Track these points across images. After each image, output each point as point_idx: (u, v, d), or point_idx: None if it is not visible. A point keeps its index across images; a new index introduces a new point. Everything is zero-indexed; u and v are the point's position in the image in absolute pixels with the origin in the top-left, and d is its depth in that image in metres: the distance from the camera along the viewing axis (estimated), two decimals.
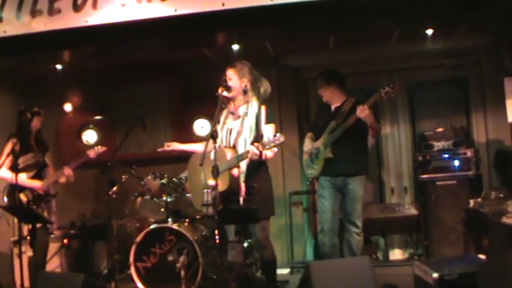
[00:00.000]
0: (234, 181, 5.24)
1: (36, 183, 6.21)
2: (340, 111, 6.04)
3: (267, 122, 5.37)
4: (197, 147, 5.87)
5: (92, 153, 6.60)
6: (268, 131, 5.29)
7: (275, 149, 5.06)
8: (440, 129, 7.51)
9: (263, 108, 5.42)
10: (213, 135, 4.99)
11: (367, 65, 7.83)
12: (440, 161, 7.29)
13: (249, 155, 5.05)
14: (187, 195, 6.41)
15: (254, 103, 5.42)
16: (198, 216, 6.54)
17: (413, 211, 7.49)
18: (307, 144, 6.24)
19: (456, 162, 7.25)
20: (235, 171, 5.23)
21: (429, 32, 6.77)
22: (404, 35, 7.16)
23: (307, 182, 6.26)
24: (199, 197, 5.27)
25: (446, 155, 7.29)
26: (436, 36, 7.01)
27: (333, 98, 6.15)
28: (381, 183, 8.24)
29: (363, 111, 5.61)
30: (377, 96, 5.73)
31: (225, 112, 5.57)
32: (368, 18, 6.13)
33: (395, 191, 8.10)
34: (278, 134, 4.95)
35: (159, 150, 6.16)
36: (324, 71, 6.30)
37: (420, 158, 7.44)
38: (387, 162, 8.20)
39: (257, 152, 4.98)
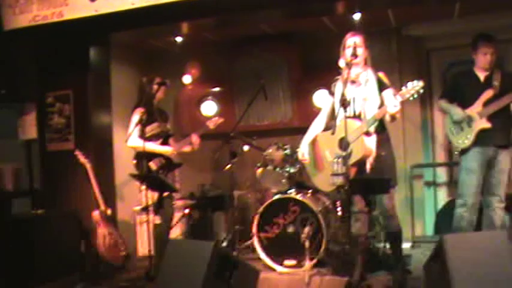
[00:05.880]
0: (368, 149, 5.14)
1: (168, 148, 6.33)
2: (492, 81, 5.75)
3: (386, 87, 5.33)
4: (314, 129, 5.77)
5: (211, 124, 6.63)
6: (389, 96, 5.17)
7: (415, 96, 4.85)
8: None
9: (381, 74, 5.40)
10: (344, 103, 4.92)
11: (496, 34, 7.44)
12: None
13: (388, 110, 4.93)
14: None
15: (370, 70, 5.41)
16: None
17: None
18: (459, 111, 5.84)
19: None
20: (366, 139, 5.13)
21: None
22: None
23: (456, 153, 6.00)
24: (325, 177, 5.28)
25: None
26: None
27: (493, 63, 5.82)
28: None
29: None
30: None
31: (338, 83, 5.48)
32: None
33: None
34: (416, 81, 4.82)
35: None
36: (483, 32, 5.97)
37: None
38: None
39: (398, 103, 4.86)
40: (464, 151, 5.82)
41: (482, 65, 5.82)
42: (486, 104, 5.71)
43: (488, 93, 5.72)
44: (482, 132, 5.70)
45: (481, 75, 5.85)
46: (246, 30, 7.62)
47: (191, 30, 7.27)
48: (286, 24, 7.45)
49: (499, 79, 5.76)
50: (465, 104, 5.82)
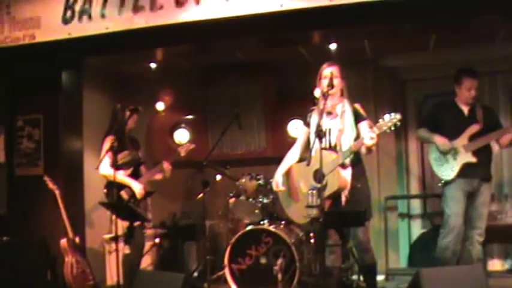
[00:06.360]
0: (343, 181, 5.07)
1: (137, 187, 6.17)
2: (475, 115, 5.83)
3: (363, 119, 5.26)
4: (289, 159, 5.64)
5: (182, 151, 6.53)
6: (366, 128, 5.12)
7: (392, 128, 4.77)
8: None
9: (358, 105, 5.33)
10: (320, 134, 4.85)
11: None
12: None
13: (365, 142, 4.84)
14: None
15: (346, 101, 5.32)
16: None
17: None
18: (446, 142, 5.82)
19: None
20: (342, 171, 5.07)
21: None
22: (510, 35, 6.83)
23: (439, 185, 5.99)
24: (299, 209, 5.19)
25: None
26: None
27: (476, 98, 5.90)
28: None
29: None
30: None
31: (314, 114, 5.42)
32: (472, 16, 5.90)
33: (495, 198, 7.71)
34: (393, 113, 4.76)
35: None
36: (468, 66, 6.02)
37: None
38: None
39: (374, 135, 4.77)
40: (447, 182, 5.81)
41: (465, 99, 5.86)
42: (471, 138, 5.75)
43: (474, 128, 5.76)
44: (466, 166, 5.71)
45: (465, 109, 5.88)
46: (221, 58, 7.60)
47: (165, 57, 7.25)
48: (261, 53, 7.43)
49: (481, 113, 5.82)
50: (448, 135, 5.83)
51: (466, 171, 5.72)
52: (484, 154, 5.78)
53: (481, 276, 4.57)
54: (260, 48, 7.09)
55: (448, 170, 5.79)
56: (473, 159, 5.69)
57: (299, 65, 7.47)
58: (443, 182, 5.85)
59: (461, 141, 5.76)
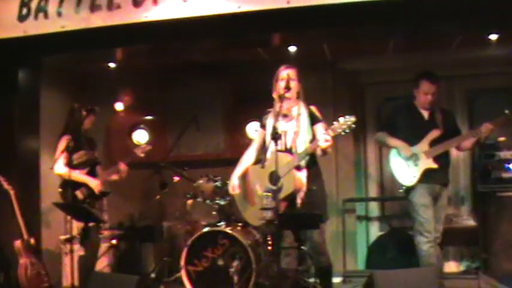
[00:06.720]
0: (299, 183, 5.07)
1: (94, 183, 6.14)
2: (435, 119, 5.86)
3: (318, 121, 5.30)
4: (244, 162, 5.69)
5: (139, 152, 6.50)
6: (321, 130, 5.15)
7: (347, 130, 4.83)
8: (502, 138, 7.09)
9: (313, 108, 5.37)
10: (275, 137, 4.85)
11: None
12: (502, 172, 6.91)
13: (320, 144, 4.88)
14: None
15: (301, 104, 5.35)
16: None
17: (471, 222, 7.24)
18: (407, 148, 5.83)
19: None
20: (297, 173, 5.07)
21: (493, 37, 6.53)
22: (467, 40, 6.91)
23: (400, 190, 5.98)
24: (255, 211, 5.22)
25: (509, 165, 6.94)
26: (500, 42, 6.74)
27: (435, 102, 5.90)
28: None
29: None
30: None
31: (270, 116, 5.42)
32: (430, 22, 5.97)
33: (452, 201, 7.81)
34: (348, 116, 4.80)
35: None
36: (428, 71, 5.99)
37: (480, 168, 7.12)
38: None
39: (329, 137, 4.81)
40: (410, 188, 5.83)
41: (422, 103, 5.89)
42: (432, 143, 5.78)
43: (435, 133, 5.79)
44: (427, 171, 5.74)
45: (424, 113, 5.91)
46: (180, 59, 7.56)
47: (124, 57, 7.19)
48: (220, 54, 7.43)
49: (441, 117, 5.86)
50: (408, 139, 5.85)
51: (427, 176, 5.75)
52: (443, 159, 5.83)
53: (433, 278, 4.63)
54: (218, 49, 7.09)
55: (409, 176, 5.82)
56: (435, 165, 5.73)
57: (258, 66, 7.40)
58: (404, 188, 5.88)
59: (422, 146, 5.78)
